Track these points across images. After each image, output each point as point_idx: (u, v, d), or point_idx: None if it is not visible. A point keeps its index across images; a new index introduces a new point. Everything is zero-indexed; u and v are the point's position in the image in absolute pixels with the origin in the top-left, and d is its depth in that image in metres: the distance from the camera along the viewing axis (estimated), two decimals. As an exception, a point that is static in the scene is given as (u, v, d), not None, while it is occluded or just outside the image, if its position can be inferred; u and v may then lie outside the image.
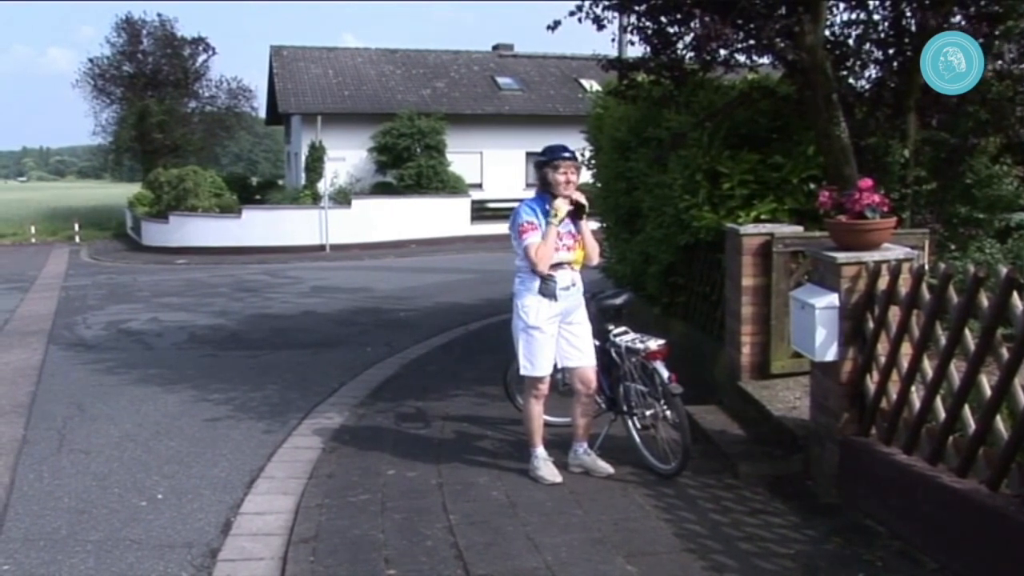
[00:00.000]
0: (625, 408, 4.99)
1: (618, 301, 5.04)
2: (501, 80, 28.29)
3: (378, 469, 5.04)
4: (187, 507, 4.71)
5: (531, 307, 4.60)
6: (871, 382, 4.13)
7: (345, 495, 4.64)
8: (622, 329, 4.98)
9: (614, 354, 4.94)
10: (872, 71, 6.51)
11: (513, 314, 4.70)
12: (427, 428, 5.92)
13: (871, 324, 4.10)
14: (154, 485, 5.07)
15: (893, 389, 3.97)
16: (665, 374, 4.60)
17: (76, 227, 29.34)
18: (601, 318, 5.05)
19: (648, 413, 4.80)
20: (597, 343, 5.07)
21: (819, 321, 4.12)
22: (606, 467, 4.77)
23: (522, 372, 4.71)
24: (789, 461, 4.65)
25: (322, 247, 22.94)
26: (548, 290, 4.57)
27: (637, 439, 4.94)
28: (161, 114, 32.38)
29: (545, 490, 4.58)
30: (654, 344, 4.72)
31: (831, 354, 4.17)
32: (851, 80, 6.47)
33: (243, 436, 6.01)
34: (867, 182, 4.15)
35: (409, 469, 5.02)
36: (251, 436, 6.00)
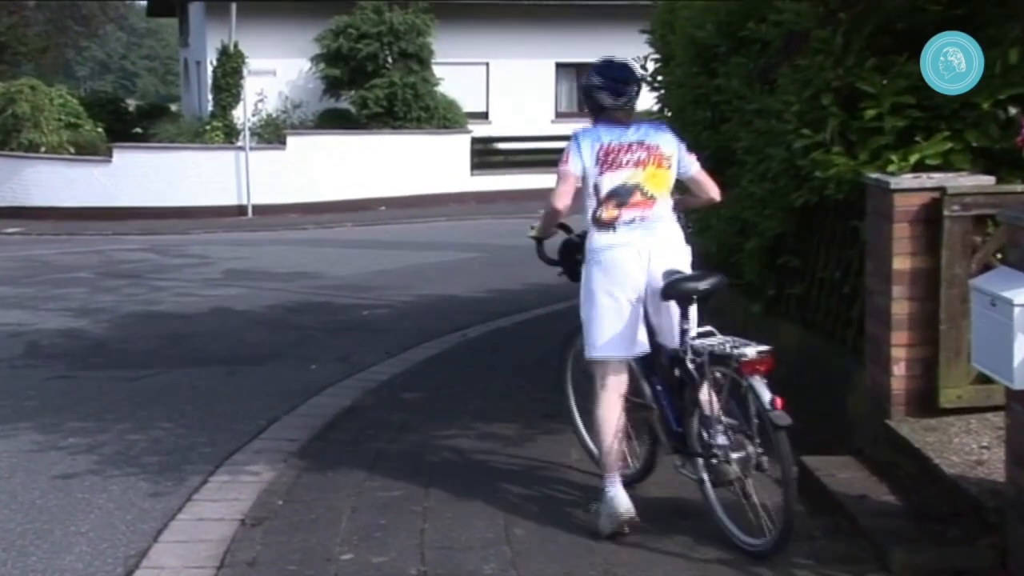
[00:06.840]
0: (699, 448, 4.98)
1: (702, 285, 5.04)
2: (517, -49, 28.32)
3: (328, 552, 5.05)
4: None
5: None
6: (1107, 424, 4.08)
7: (275, 594, 4.64)
8: (706, 329, 4.98)
9: (691, 365, 4.94)
10: None
11: None
12: (403, 487, 5.91)
13: (1107, 331, 4.04)
14: (-34, 585, 5.07)
15: None
16: (766, 396, 4.58)
17: None
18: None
19: (735, 457, 4.78)
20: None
21: (1020, 326, 4.07)
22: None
23: None
24: (974, 547, 4.60)
25: (241, 209, 23.09)
26: None
27: (712, 497, 4.95)
28: (-29, -6, 32.09)
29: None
30: (752, 351, 4.70)
31: (1040, 379, 4.12)
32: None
33: (115, 503, 6.02)
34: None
35: (376, 552, 5.03)
36: (128, 502, 6.01)
